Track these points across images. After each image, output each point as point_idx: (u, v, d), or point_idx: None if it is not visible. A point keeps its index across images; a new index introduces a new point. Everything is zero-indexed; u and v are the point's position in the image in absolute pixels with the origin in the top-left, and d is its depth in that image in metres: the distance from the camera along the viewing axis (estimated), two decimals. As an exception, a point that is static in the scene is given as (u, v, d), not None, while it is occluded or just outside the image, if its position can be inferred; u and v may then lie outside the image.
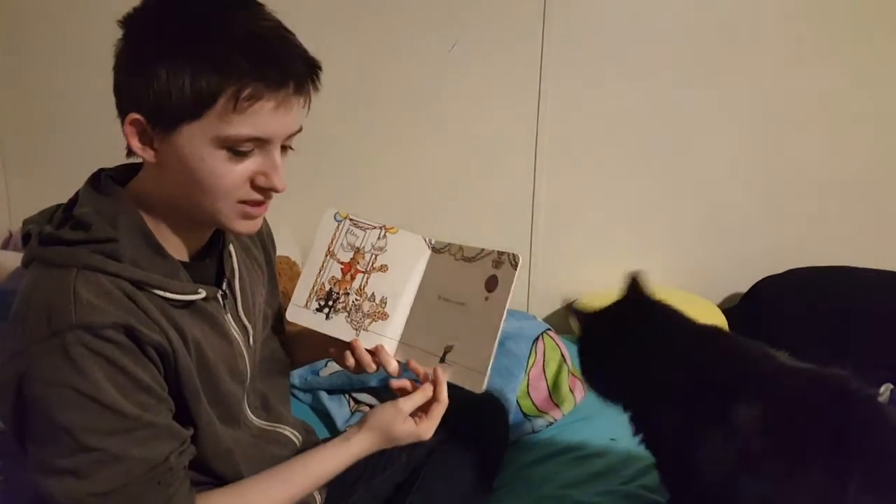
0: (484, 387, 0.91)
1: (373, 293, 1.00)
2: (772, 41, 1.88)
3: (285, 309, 1.05)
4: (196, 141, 0.75)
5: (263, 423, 0.98)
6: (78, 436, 0.72)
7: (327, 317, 1.00)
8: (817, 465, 0.89)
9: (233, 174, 0.77)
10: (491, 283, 0.95)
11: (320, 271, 1.02)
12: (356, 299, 1.00)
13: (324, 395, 1.53)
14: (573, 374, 1.51)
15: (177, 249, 0.85)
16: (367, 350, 0.97)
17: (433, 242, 1.03)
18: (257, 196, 0.81)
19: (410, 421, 0.93)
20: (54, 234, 0.77)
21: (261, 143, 0.77)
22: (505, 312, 0.92)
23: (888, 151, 1.95)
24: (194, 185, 0.78)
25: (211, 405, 0.85)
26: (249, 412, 0.95)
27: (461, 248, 1.00)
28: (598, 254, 2.07)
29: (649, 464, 1.30)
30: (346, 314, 1.00)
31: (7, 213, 2.09)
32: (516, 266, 0.94)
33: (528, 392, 1.49)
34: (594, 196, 2.03)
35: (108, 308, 0.73)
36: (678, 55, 1.90)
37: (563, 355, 1.54)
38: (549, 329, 1.63)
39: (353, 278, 1.01)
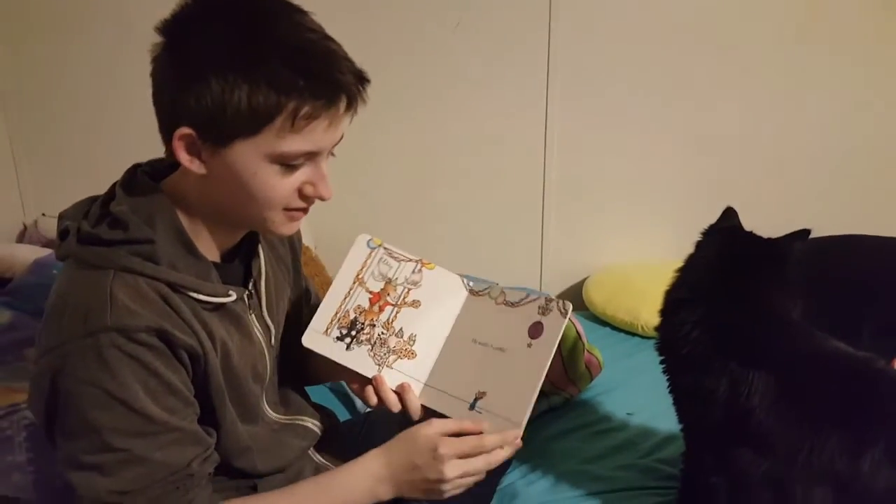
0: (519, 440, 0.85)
1: (401, 329, 0.95)
2: (783, 13, 1.86)
3: (313, 292, 1.02)
4: (249, 156, 0.75)
5: (282, 417, 0.97)
6: (104, 435, 0.73)
7: (348, 347, 0.93)
8: (833, 436, 0.90)
9: (283, 186, 0.79)
10: (535, 330, 0.90)
11: (346, 298, 0.95)
12: (382, 333, 0.94)
13: (342, 378, 1.54)
14: (588, 351, 1.52)
15: (209, 249, 0.85)
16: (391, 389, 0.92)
17: (471, 284, 0.99)
18: (303, 204, 0.82)
19: (439, 444, 0.84)
20: (93, 233, 0.77)
21: (311, 155, 0.79)
22: (549, 363, 0.86)
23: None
24: (244, 196, 0.78)
25: (233, 405, 0.86)
26: (268, 409, 0.95)
27: (503, 291, 0.96)
28: (610, 230, 2.07)
29: (665, 436, 1.32)
30: (370, 347, 0.93)
31: (20, 207, 2.11)
32: (566, 314, 0.88)
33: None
34: (605, 172, 2.02)
35: (142, 312, 0.74)
36: (686, 33, 1.88)
37: (578, 332, 1.55)
38: (562, 307, 1.63)
39: (381, 310, 0.95)
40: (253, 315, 0.90)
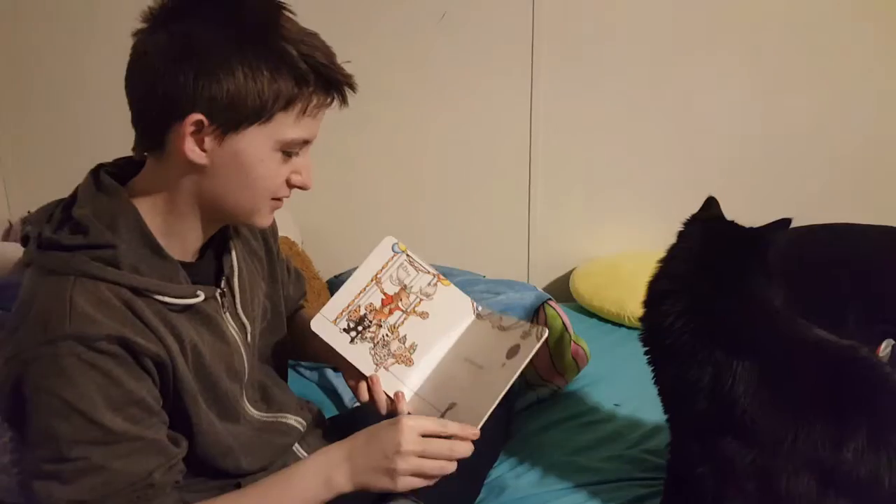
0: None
1: (405, 335, 0.99)
2: (766, 10, 1.87)
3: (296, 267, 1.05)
4: (259, 142, 0.78)
5: (264, 415, 0.97)
6: (63, 443, 0.73)
7: (352, 340, 0.97)
8: (816, 425, 0.90)
9: (281, 174, 0.82)
10: (512, 352, 0.94)
11: (360, 293, 0.99)
12: (387, 335, 0.98)
13: (330, 373, 1.55)
14: (575, 342, 1.52)
15: (179, 248, 0.84)
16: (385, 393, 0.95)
17: (479, 309, 1.03)
18: (288, 193, 0.85)
19: (403, 418, 0.87)
20: (53, 239, 0.77)
21: (305, 144, 0.82)
22: (514, 379, 0.90)
23: (885, 113, 1.94)
24: (243, 184, 0.80)
25: (210, 406, 0.85)
26: (249, 407, 0.94)
27: (500, 317, 1.00)
28: (596, 222, 2.07)
29: (652, 427, 1.33)
30: (372, 345, 0.97)
31: (6, 204, 2.09)
32: (540, 339, 0.93)
33: (532, 361, 1.50)
34: (592, 163, 2.02)
35: (103, 319, 0.73)
36: (674, 17, 1.88)
37: (564, 324, 1.55)
38: (549, 299, 1.63)
39: (390, 313, 0.99)
40: (227, 313, 0.90)
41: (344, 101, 0.82)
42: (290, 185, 0.84)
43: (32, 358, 0.72)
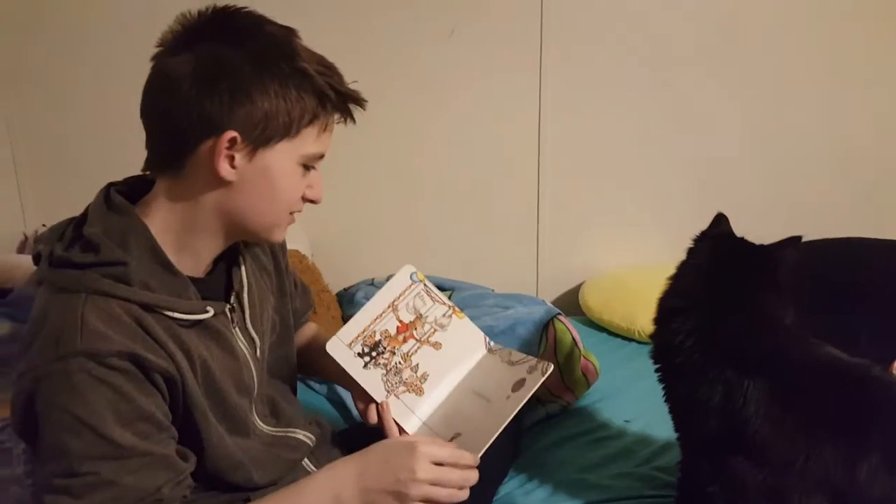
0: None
1: (417, 364, 1.00)
2: (773, 17, 1.87)
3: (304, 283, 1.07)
4: (287, 156, 0.82)
5: (273, 429, 0.97)
6: (73, 458, 0.73)
7: (365, 365, 0.98)
8: (828, 445, 0.90)
9: (300, 188, 0.86)
10: (518, 385, 0.96)
11: (376, 319, 1.01)
12: (399, 362, 0.99)
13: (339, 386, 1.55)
14: (585, 357, 1.52)
15: (190, 264, 0.85)
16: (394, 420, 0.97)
17: (491, 344, 1.04)
18: (302, 207, 0.88)
19: (419, 444, 0.86)
20: (64, 257, 0.78)
21: (320, 159, 0.86)
22: (516, 411, 0.92)
23: (889, 124, 1.94)
24: (269, 198, 0.83)
25: (219, 421, 0.86)
26: (258, 421, 0.95)
27: (510, 352, 1.02)
28: (605, 236, 2.07)
29: (663, 444, 1.32)
30: (384, 372, 0.99)
31: (21, 217, 2.11)
32: (545, 374, 0.95)
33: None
34: (600, 177, 2.02)
35: (114, 336, 0.74)
36: (679, 35, 1.89)
37: (574, 339, 1.55)
38: (559, 314, 1.63)
39: (405, 341, 1.01)
40: (237, 328, 0.91)
41: (353, 118, 0.87)
42: (303, 200, 0.87)
43: (44, 374, 0.73)
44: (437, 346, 1.01)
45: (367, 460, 0.87)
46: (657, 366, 1.07)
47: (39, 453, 0.76)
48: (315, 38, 0.86)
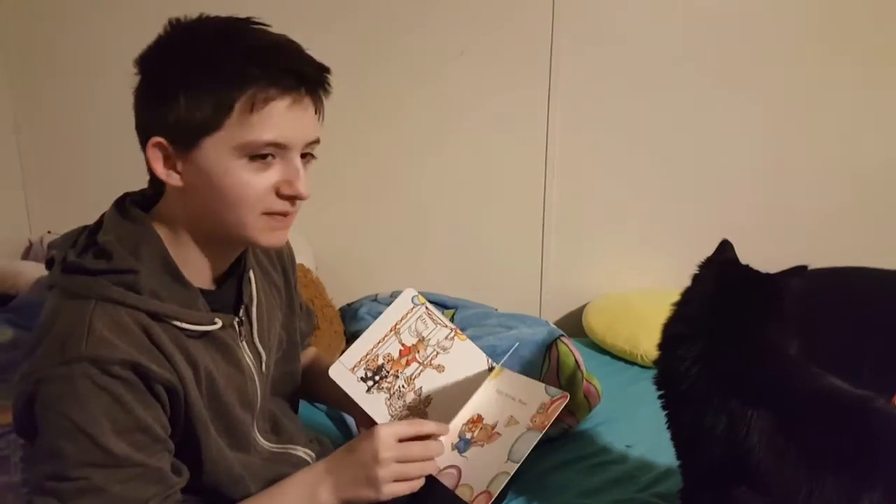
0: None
1: (420, 388, 0.99)
2: (782, 40, 1.89)
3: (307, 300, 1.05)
4: (219, 153, 0.78)
5: (273, 446, 0.97)
6: (66, 463, 0.74)
7: (368, 390, 0.97)
8: (830, 478, 0.89)
9: (258, 184, 0.79)
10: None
11: (379, 343, 1.00)
12: (403, 386, 0.99)
13: (340, 403, 1.54)
14: (587, 380, 1.51)
15: (199, 275, 0.86)
16: None
17: (493, 365, 1.03)
18: (282, 206, 0.82)
19: (379, 428, 0.85)
20: (77, 262, 0.79)
21: (280, 149, 0.80)
22: (534, 444, 0.90)
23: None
24: (221, 200, 0.79)
25: (220, 434, 0.86)
26: (259, 437, 0.95)
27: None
28: (610, 257, 2.07)
29: (665, 470, 1.31)
30: (388, 396, 0.98)
31: (27, 224, 2.12)
32: (564, 402, 0.94)
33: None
34: (605, 199, 2.03)
35: (120, 344, 0.74)
36: (687, 56, 1.90)
37: (576, 361, 1.54)
38: (562, 335, 1.63)
39: (407, 364, 1.00)
40: (244, 341, 0.91)
41: (311, 87, 0.80)
42: (281, 196, 0.81)
43: (47, 377, 0.74)
44: (440, 368, 1.01)
45: (334, 456, 0.87)
46: (660, 392, 1.06)
47: (34, 454, 0.76)
48: (323, 57, 0.83)
